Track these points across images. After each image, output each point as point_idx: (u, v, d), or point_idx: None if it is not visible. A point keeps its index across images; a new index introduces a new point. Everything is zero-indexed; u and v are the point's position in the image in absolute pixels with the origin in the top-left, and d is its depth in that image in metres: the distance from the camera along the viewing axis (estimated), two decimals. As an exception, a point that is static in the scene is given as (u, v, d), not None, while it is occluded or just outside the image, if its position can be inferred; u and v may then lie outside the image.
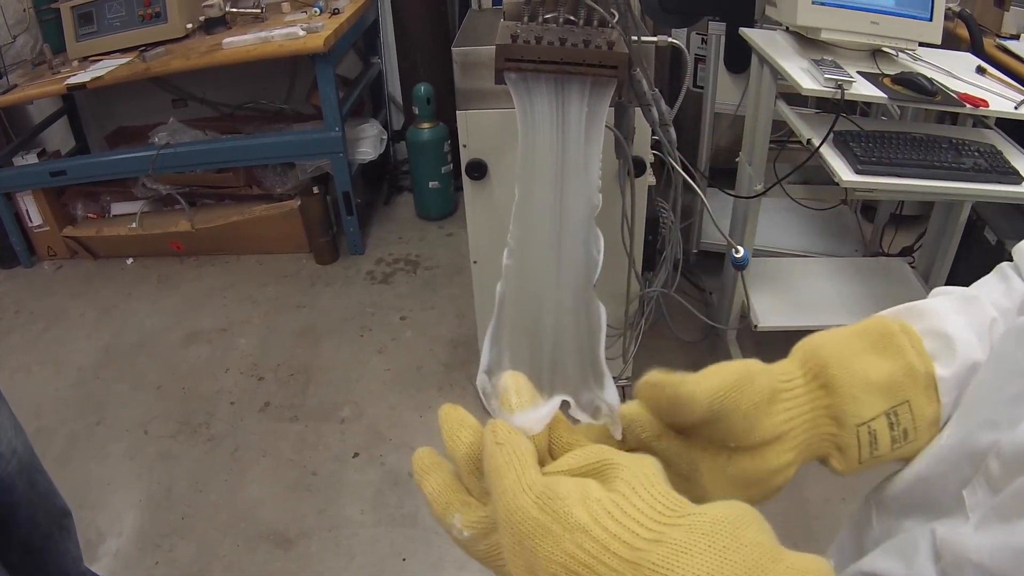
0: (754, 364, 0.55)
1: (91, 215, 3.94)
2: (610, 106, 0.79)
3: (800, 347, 0.59)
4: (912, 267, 2.98)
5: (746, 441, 0.53)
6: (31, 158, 3.75)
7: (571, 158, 0.74)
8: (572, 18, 0.92)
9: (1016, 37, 2.98)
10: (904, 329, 0.59)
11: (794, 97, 2.41)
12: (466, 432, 0.52)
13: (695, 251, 3.38)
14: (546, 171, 0.73)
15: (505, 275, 0.64)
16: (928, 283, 2.82)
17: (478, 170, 2.19)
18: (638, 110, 1.77)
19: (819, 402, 0.56)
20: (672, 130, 1.62)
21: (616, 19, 0.88)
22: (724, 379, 0.52)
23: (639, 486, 0.41)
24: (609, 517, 0.39)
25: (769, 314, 2.63)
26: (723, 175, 3.08)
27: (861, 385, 0.56)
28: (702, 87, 3.18)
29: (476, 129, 2.17)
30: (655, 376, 0.53)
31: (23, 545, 1.75)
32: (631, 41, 1.39)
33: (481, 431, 0.50)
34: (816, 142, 2.07)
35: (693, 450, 0.55)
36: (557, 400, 0.52)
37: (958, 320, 0.59)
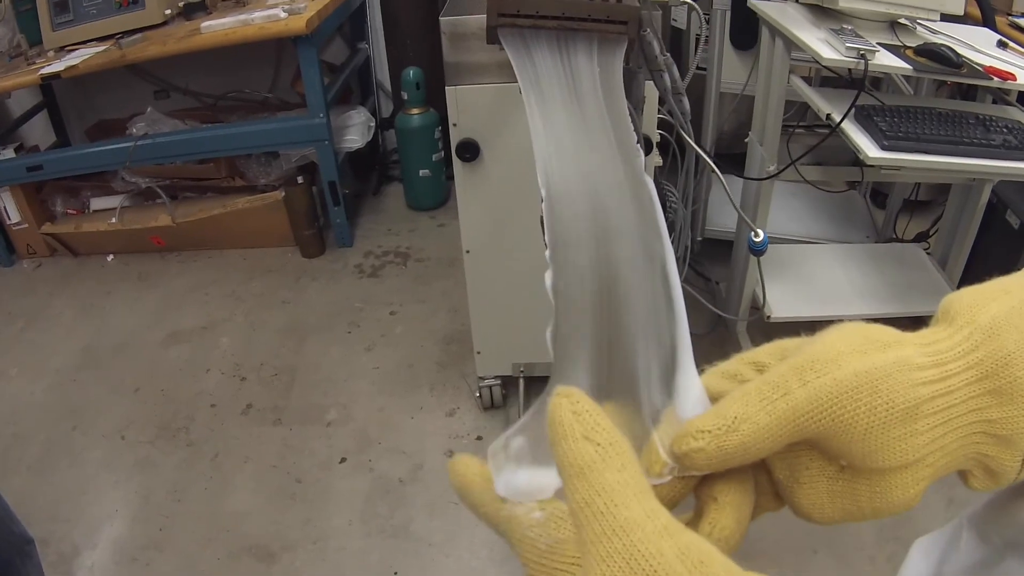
0: (883, 356, 0.37)
1: (71, 211, 3.82)
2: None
3: (965, 318, 0.40)
4: (928, 253, 2.87)
5: (863, 465, 0.38)
6: (8, 153, 3.61)
7: (594, 124, 0.57)
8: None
9: (1028, 16, 2.88)
10: None
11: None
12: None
13: (699, 239, 3.25)
14: (569, 145, 0.56)
15: (556, 306, 0.46)
16: (945, 269, 2.72)
17: (469, 151, 2.05)
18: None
19: (983, 415, 0.38)
20: (685, 99, 1.48)
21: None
22: (820, 392, 0.36)
23: None
24: None
25: (782, 304, 2.50)
26: (728, 161, 2.96)
27: None
28: (705, 68, 3.04)
29: (467, 106, 2.02)
30: (691, 431, 0.37)
31: None
32: (639, -2, 1.24)
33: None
34: (836, 117, 1.93)
35: (798, 454, 0.40)
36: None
37: None
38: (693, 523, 0.40)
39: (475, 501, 0.39)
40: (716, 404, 0.39)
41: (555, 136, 0.56)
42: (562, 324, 0.46)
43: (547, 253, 0.48)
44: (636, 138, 0.56)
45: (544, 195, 0.51)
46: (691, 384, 0.41)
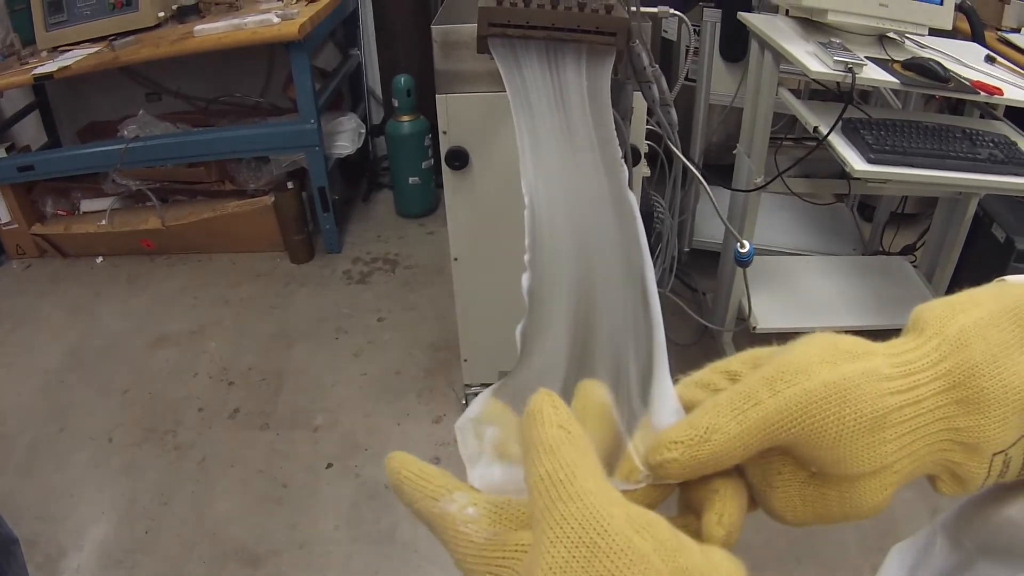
0: (852, 367, 0.38)
1: (61, 212, 3.80)
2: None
3: (934, 329, 0.40)
4: (914, 266, 2.88)
5: (833, 472, 0.39)
6: (-1, 153, 3.60)
7: (580, 136, 0.58)
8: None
9: (1017, 30, 2.90)
10: None
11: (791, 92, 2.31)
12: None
13: (687, 250, 3.25)
14: (555, 157, 0.57)
15: (531, 307, 0.49)
16: (932, 283, 2.73)
17: (459, 159, 2.05)
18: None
19: (950, 423, 0.39)
20: (673, 111, 1.49)
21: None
22: (790, 402, 0.37)
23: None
24: None
25: (768, 315, 2.51)
26: (716, 172, 2.98)
27: (1018, 404, 0.38)
28: (694, 80, 3.06)
29: (457, 115, 2.03)
30: (664, 442, 0.38)
31: None
32: (630, 9, 1.25)
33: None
34: (824, 130, 1.94)
35: (771, 459, 0.41)
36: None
37: None
38: (691, 522, 0.41)
39: (409, 498, 0.39)
40: (689, 415, 0.40)
41: (541, 147, 0.57)
42: (534, 324, 0.47)
43: (526, 257, 0.50)
44: (621, 152, 0.57)
45: (527, 202, 0.52)
46: (666, 394, 0.42)
